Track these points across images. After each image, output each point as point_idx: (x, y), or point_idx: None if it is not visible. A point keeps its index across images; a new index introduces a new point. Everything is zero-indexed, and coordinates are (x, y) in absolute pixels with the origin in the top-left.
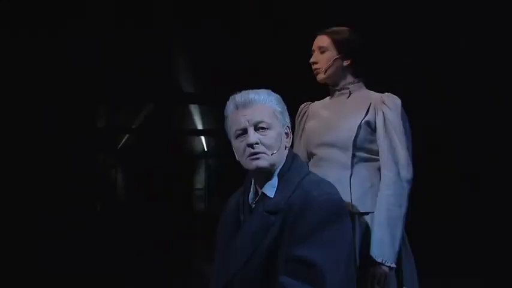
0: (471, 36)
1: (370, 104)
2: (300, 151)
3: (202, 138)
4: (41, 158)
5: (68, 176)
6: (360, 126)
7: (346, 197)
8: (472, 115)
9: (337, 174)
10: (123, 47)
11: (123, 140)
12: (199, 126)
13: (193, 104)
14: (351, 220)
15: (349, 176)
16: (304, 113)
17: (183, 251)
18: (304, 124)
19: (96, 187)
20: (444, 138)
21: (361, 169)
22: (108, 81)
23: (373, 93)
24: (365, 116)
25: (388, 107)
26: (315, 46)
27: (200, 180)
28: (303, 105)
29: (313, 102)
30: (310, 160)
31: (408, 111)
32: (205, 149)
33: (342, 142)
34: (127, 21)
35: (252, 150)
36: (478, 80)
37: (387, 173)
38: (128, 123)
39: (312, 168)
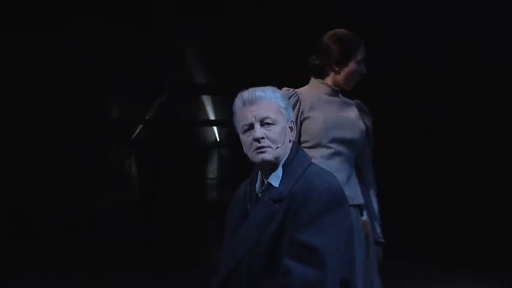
0: (471, 36)
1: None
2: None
3: (215, 128)
4: (58, 150)
5: (84, 166)
6: None
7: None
8: (471, 113)
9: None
10: (136, 40)
11: (137, 131)
12: (212, 117)
13: (206, 95)
14: (360, 210)
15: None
16: (298, 100)
17: (196, 237)
18: (301, 111)
19: (111, 177)
20: (445, 136)
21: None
22: (122, 73)
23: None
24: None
25: (368, 115)
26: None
27: (212, 169)
28: (291, 90)
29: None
30: (313, 149)
31: (408, 109)
32: (218, 139)
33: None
34: (138, 16)
35: (258, 144)
36: (477, 79)
37: (372, 173)
38: (142, 114)
39: (324, 160)
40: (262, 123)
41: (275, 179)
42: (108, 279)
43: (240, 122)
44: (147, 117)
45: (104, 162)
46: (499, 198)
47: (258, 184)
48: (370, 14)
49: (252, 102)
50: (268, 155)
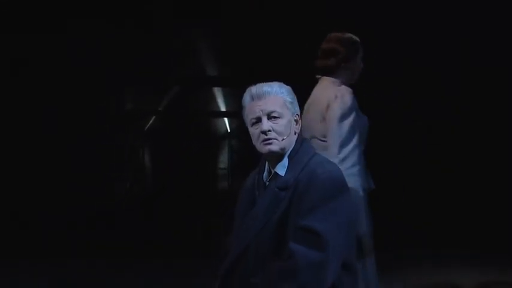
0: (471, 36)
1: None
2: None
3: (225, 119)
4: (58, 150)
5: (84, 165)
6: None
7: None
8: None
9: None
10: (136, 40)
11: (150, 122)
12: (223, 108)
13: (217, 87)
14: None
15: None
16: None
17: (207, 225)
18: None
19: (125, 166)
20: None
21: None
22: (136, 66)
23: None
24: None
25: None
26: None
27: (223, 160)
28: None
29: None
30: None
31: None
32: (228, 130)
33: None
34: (138, 16)
35: (265, 137)
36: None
37: None
38: (155, 106)
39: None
40: (269, 116)
41: (281, 169)
42: (109, 279)
43: (249, 116)
44: (159, 108)
45: (129, 144)
46: (499, 197)
47: (265, 173)
48: (370, 14)
49: (259, 97)
50: (275, 147)
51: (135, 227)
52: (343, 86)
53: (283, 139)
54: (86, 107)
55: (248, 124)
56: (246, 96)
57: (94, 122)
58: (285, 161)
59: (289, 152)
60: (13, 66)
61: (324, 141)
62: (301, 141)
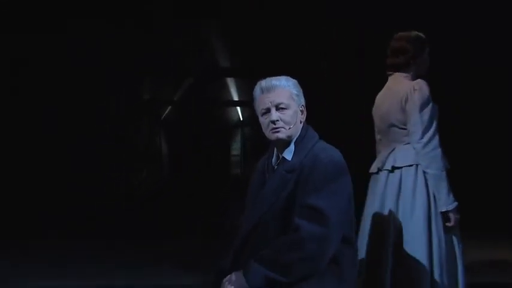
0: (471, 36)
1: None
2: None
3: (238, 108)
4: (58, 150)
5: (84, 166)
6: None
7: None
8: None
9: None
10: (136, 40)
11: (167, 111)
12: (235, 98)
13: (230, 77)
14: None
15: None
16: None
17: (221, 208)
18: None
19: (142, 154)
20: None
21: None
22: (136, 66)
23: None
24: None
25: None
26: None
27: (236, 147)
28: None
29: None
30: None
31: None
32: (241, 119)
33: None
34: (138, 16)
35: (274, 126)
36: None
37: None
38: (171, 96)
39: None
40: (277, 107)
41: (288, 154)
42: (152, 237)
43: (259, 106)
44: (175, 98)
45: (146, 132)
46: (499, 198)
47: (274, 158)
48: (369, 14)
49: (268, 89)
50: (282, 134)
51: (137, 224)
52: (420, 79)
53: (290, 128)
54: (86, 107)
55: (258, 114)
56: (257, 89)
57: (94, 122)
58: (292, 146)
59: (295, 138)
60: (13, 66)
61: (403, 129)
62: (306, 129)
